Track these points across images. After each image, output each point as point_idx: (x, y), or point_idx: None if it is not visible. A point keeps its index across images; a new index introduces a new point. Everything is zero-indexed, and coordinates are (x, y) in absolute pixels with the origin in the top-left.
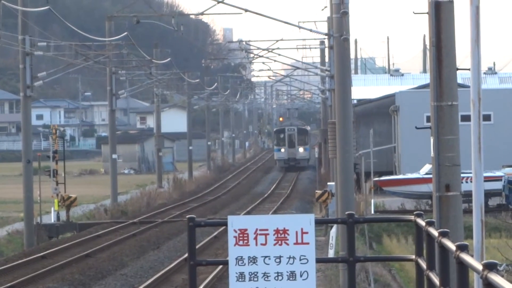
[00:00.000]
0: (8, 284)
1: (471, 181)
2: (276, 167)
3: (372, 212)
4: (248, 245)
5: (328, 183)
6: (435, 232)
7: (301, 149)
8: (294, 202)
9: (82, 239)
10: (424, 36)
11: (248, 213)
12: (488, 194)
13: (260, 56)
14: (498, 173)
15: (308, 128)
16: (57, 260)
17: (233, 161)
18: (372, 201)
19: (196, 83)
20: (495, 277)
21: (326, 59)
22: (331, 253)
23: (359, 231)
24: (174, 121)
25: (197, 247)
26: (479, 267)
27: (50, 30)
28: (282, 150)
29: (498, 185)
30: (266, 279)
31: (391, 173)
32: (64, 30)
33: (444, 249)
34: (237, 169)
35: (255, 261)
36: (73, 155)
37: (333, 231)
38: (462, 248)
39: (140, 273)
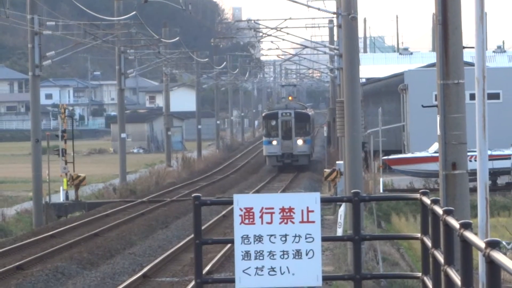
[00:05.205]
0: (17, 263)
1: None
2: (266, 166)
3: (381, 190)
4: (254, 223)
5: (337, 162)
6: (439, 210)
7: (299, 141)
8: (303, 181)
9: (91, 218)
10: (433, 14)
11: (257, 192)
12: (497, 173)
13: (269, 35)
14: (507, 152)
15: (311, 112)
16: (66, 239)
17: (242, 140)
18: (381, 179)
19: (205, 62)
20: (497, 255)
21: (335, 38)
22: (339, 232)
23: (367, 209)
24: (183, 100)
25: (205, 226)
26: (482, 245)
27: (59, 9)
28: (274, 142)
29: (507, 164)
30: (272, 257)
31: (399, 152)
32: (73, 9)
33: (448, 227)
34: (246, 148)
35: (261, 239)
36: (82, 134)
37: (342, 210)
38: (466, 226)
39: (149, 252)
